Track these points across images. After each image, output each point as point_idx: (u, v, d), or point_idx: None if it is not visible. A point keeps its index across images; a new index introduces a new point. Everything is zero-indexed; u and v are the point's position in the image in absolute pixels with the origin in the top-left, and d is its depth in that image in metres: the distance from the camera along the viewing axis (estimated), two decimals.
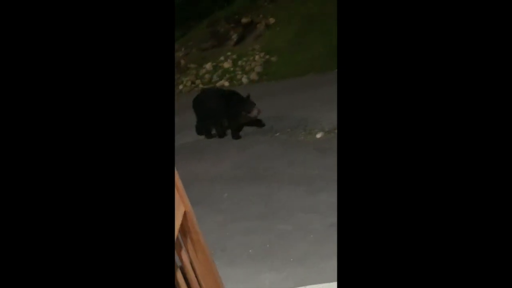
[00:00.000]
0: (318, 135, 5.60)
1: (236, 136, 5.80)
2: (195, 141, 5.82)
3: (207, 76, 8.92)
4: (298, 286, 2.86)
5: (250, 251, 3.43)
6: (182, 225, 1.63)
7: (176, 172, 1.57)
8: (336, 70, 7.67)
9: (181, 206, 1.65)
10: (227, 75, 8.71)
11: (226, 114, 5.76)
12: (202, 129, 5.97)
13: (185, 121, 6.09)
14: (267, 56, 8.67)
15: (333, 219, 3.57)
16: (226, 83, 8.50)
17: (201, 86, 8.61)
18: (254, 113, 5.73)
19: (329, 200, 3.83)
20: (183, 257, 1.62)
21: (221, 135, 5.88)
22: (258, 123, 5.96)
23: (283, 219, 3.74)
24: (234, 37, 9.67)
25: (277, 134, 5.82)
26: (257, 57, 8.78)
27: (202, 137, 6.01)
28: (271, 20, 9.47)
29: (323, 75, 7.60)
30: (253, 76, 8.45)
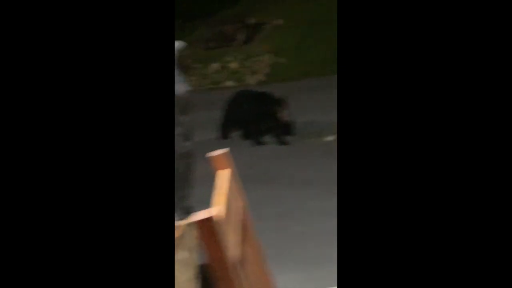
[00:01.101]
0: (329, 138, 5.60)
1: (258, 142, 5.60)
2: (206, 141, 5.78)
3: (214, 76, 8.91)
4: None
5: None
6: (243, 220, 1.60)
7: (231, 167, 1.55)
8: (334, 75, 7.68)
9: (240, 200, 1.61)
10: (234, 76, 8.71)
11: (257, 116, 5.62)
12: (228, 131, 5.80)
13: (194, 121, 6.05)
14: (275, 57, 8.67)
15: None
16: (233, 84, 8.50)
17: (207, 86, 8.60)
18: (283, 114, 5.56)
19: None
20: (244, 251, 1.57)
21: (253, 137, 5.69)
22: (287, 129, 5.73)
23: (297, 220, 3.75)
24: (241, 37, 9.67)
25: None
26: (264, 58, 8.79)
27: (213, 137, 5.91)
28: (279, 22, 9.47)
29: (332, 78, 7.61)
30: (261, 77, 8.45)
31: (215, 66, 9.07)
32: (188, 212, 2.88)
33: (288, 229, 3.66)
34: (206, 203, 1.92)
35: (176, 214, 1.40)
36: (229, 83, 8.55)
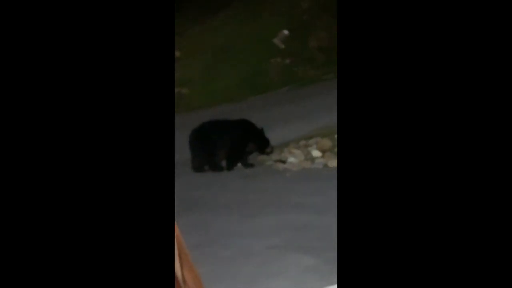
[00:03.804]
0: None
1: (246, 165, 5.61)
2: None
3: None
4: None
5: None
6: (177, 247, 1.65)
7: None
8: (248, 99, 7.87)
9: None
10: None
11: (236, 145, 5.61)
12: (202, 164, 5.72)
13: None
14: (178, 89, 8.70)
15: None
16: None
17: None
18: (268, 150, 5.58)
19: (267, 223, 3.91)
20: (185, 276, 1.62)
21: (219, 168, 5.66)
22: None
23: (223, 246, 3.76)
24: None
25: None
26: None
27: None
28: (177, 53, 9.52)
29: (236, 105, 7.75)
30: None
31: None
32: None
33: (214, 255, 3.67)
34: None
35: None
36: None
